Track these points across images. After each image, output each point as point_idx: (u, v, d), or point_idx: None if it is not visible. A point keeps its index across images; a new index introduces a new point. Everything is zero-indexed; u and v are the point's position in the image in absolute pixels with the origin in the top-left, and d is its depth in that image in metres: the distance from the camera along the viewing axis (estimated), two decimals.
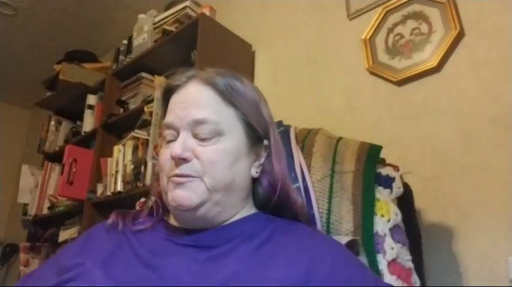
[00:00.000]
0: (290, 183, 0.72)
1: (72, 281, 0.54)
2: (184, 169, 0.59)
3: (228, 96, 0.64)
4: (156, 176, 0.70)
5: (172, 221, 0.66)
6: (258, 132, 0.67)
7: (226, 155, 0.61)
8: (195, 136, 0.61)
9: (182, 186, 0.59)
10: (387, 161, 0.94)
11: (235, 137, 0.63)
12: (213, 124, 0.60)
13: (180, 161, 0.59)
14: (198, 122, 0.61)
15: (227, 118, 0.63)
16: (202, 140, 0.61)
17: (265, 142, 0.68)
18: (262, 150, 0.68)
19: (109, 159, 1.91)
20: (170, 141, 0.63)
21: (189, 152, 0.60)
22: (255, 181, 0.68)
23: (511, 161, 1.02)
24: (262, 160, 0.68)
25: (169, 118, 0.64)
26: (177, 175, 0.59)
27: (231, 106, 0.64)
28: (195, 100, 0.63)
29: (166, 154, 0.62)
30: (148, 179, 1.62)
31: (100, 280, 0.52)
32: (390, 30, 1.34)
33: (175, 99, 0.66)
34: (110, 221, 0.67)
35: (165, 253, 0.58)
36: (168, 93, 0.68)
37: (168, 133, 0.64)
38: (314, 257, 0.55)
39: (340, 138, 0.93)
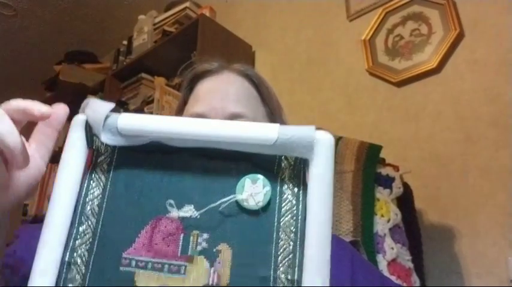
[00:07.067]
0: None
1: None
2: None
3: (262, 92, 0.62)
4: None
5: None
6: None
7: None
8: None
9: None
10: (387, 162, 0.95)
11: None
12: (249, 119, 0.58)
13: None
14: (235, 116, 0.58)
15: (261, 115, 0.62)
16: None
17: None
18: None
19: None
20: None
21: None
22: None
23: (511, 162, 1.02)
24: None
25: (201, 108, 0.59)
26: None
27: (263, 103, 0.63)
28: (233, 93, 0.60)
29: None
30: None
31: None
32: (390, 31, 1.34)
33: (206, 87, 0.62)
34: None
35: None
36: (195, 79, 0.64)
37: None
38: None
39: (340, 138, 0.93)
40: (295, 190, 0.34)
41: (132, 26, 2.05)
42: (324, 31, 1.57)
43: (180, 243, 0.33)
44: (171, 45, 1.79)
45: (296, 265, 0.32)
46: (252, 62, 1.79)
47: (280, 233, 0.33)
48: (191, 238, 0.34)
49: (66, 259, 0.33)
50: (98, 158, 0.37)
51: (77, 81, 2.28)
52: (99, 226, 0.35)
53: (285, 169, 0.35)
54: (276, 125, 0.34)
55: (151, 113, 1.72)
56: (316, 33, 1.59)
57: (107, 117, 0.35)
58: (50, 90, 2.49)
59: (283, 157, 0.35)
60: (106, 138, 0.36)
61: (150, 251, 0.33)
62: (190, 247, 0.33)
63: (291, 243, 0.33)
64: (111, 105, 0.36)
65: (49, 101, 1.99)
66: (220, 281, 0.32)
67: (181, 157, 0.36)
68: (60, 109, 0.37)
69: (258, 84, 0.63)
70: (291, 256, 0.33)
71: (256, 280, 0.32)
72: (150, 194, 0.35)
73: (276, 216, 0.34)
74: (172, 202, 0.34)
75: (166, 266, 0.33)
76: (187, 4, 1.82)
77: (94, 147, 0.37)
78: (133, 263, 0.33)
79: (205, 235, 0.34)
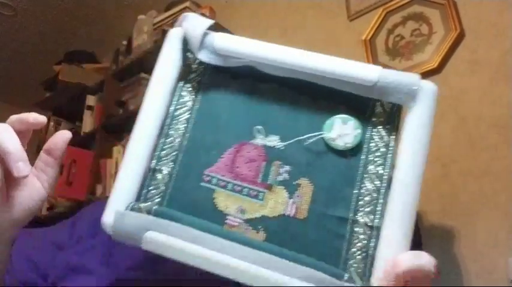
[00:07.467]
0: None
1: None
2: None
3: None
4: None
5: None
6: None
7: None
8: None
9: None
10: None
11: None
12: None
13: None
14: None
15: None
16: None
17: None
18: None
19: (108, 160, 1.90)
20: None
21: None
22: None
23: (511, 162, 1.02)
24: None
25: None
26: None
27: None
28: None
29: None
30: None
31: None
32: (390, 31, 1.34)
33: None
34: None
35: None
36: None
37: None
38: None
39: None
40: (387, 137, 0.34)
41: (131, 26, 2.04)
42: (324, 31, 1.56)
43: (262, 170, 0.34)
44: None
45: (377, 212, 0.32)
46: None
47: (364, 179, 0.33)
48: (273, 167, 0.34)
49: (152, 165, 0.35)
50: (189, 75, 0.37)
51: (77, 81, 2.27)
52: (185, 141, 0.35)
53: (379, 114, 0.34)
54: (379, 67, 0.33)
55: None
56: (317, 33, 1.59)
57: (204, 34, 0.36)
58: (49, 90, 2.49)
59: (378, 103, 0.34)
60: (202, 55, 0.36)
61: (231, 172, 0.34)
62: (270, 175, 0.34)
63: (375, 189, 0.33)
64: (210, 21, 0.37)
65: (48, 101, 1.98)
66: (297, 214, 0.32)
67: (271, 86, 0.36)
68: (59, 138, 0.38)
69: None
70: (373, 202, 0.32)
71: (334, 219, 0.32)
72: (237, 118, 0.35)
73: (363, 161, 0.33)
74: (261, 128, 0.34)
75: (246, 189, 0.33)
76: (187, 4, 1.81)
77: (187, 63, 0.37)
78: (214, 181, 0.34)
79: (287, 167, 0.33)
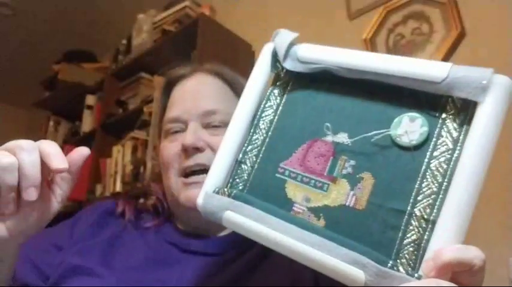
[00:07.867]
0: None
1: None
2: (198, 158, 0.55)
3: (236, 88, 0.61)
4: (154, 176, 0.67)
5: (177, 223, 0.61)
6: None
7: None
8: (206, 126, 0.57)
9: (198, 185, 0.52)
10: None
11: None
12: (223, 115, 0.57)
13: (193, 151, 0.55)
14: (209, 113, 0.57)
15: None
16: (214, 127, 0.57)
17: None
18: None
19: (108, 159, 1.90)
20: (176, 132, 0.59)
21: (202, 142, 0.55)
22: None
23: (511, 162, 1.02)
24: None
25: (175, 112, 0.59)
26: (191, 169, 0.55)
27: (238, 98, 0.63)
28: (204, 90, 0.60)
29: (172, 147, 0.57)
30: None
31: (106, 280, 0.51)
32: (391, 31, 1.34)
33: (179, 91, 0.62)
34: (119, 210, 0.62)
35: (171, 260, 0.54)
36: (170, 85, 0.64)
37: (174, 126, 0.59)
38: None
39: None
40: (456, 134, 0.34)
41: (131, 25, 2.04)
42: (325, 30, 1.56)
43: (329, 164, 0.37)
44: (170, 44, 1.78)
45: (436, 206, 0.32)
46: (252, 61, 1.78)
47: (427, 173, 0.33)
48: (339, 161, 0.37)
49: (239, 158, 0.41)
50: (277, 82, 0.44)
51: (76, 80, 2.27)
52: (267, 138, 0.41)
53: (450, 110, 0.35)
54: (449, 64, 0.34)
55: (150, 113, 1.72)
56: (317, 32, 1.58)
57: (290, 45, 0.42)
58: (49, 90, 2.48)
59: (449, 99, 0.35)
60: (287, 63, 0.42)
61: (302, 166, 0.38)
62: (336, 169, 0.37)
63: (436, 185, 0.33)
64: (295, 35, 0.43)
65: (48, 101, 1.98)
66: (356, 205, 0.35)
67: (345, 88, 0.39)
68: (77, 155, 0.39)
69: (231, 81, 0.62)
70: (432, 196, 0.33)
71: (391, 211, 0.33)
72: (312, 117, 0.40)
73: (427, 156, 0.34)
74: (329, 125, 0.38)
75: (312, 181, 0.37)
76: (187, 3, 1.81)
77: (276, 72, 0.44)
78: (287, 173, 0.39)
79: (352, 162, 0.36)
